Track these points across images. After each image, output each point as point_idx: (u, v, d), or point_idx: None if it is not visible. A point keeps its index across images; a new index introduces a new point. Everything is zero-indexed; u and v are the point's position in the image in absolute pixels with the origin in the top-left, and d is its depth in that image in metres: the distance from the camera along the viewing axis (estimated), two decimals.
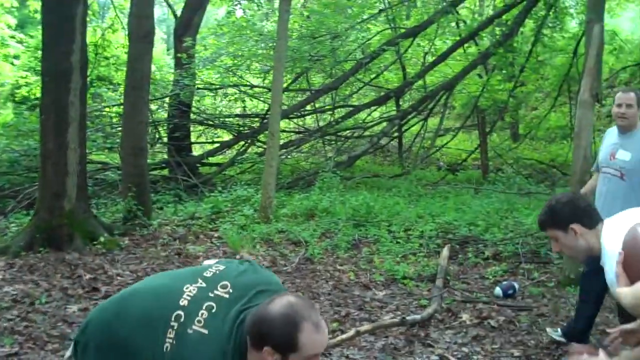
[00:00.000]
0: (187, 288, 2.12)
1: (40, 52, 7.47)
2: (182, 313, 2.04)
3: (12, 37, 19.26)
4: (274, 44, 9.91)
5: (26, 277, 5.79)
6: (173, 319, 2.03)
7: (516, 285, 5.81)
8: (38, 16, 11.66)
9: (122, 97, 9.25)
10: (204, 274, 2.19)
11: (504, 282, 5.89)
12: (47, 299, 5.26)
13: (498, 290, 5.74)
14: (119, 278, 5.93)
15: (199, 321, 2.02)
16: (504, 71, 13.64)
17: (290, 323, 1.93)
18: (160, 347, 1.99)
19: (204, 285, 2.14)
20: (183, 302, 2.08)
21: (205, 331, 2.00)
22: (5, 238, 7.32)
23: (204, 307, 2.05)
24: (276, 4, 15.68)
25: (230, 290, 2.12)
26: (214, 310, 2.05)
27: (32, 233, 6.76)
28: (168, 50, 26.78)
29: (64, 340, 4.44)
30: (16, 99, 18.07)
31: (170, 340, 1.99)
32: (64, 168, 6.91)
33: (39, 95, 7.61)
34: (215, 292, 2.11)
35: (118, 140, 10.10)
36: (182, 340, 1.99)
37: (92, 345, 2.14)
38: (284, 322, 1.93)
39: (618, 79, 15.59)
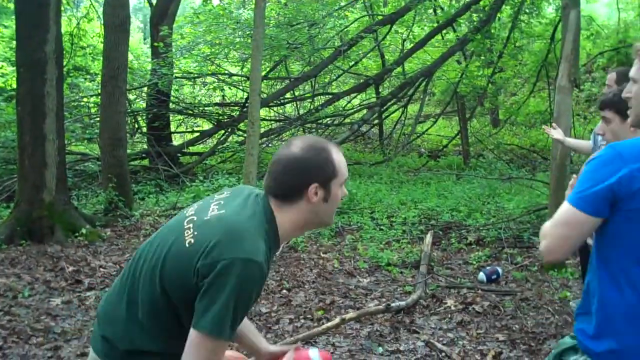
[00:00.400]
0: (188, 210, 2.02)
1: (15, 42, 7.35)
2: (193, 217, 1.93)
3: None
4: (251, 32, 9.83)
5: (8, 270, 5.71)
6: (186, 224, 1.91)
7: (500, 270, 5.86)
8: (12, 6, 11.45)
9: (100, 87, 9.12)
10: (198, 202, 2.09)
11: (488, 267, 5.94)
12: (30, 292, 5.19)
13: (482, 276, 5.78)
14: (102, 270, 5.88)
15: (212, 210, 1.92)
16: (482, 57, 13.67)
17: (319, 149, 1.89)
18: (183, 248, 1.85)
19: (202, 202, 2.04)
20: (190, 213, 1.97)
21: (223, 211, 1.90)
22: None
23: (212, 206, 1.95)
24: None
25: (230, 193, 2.03)
26: (222, 203, 1.95)
27: (13, 226, 6.67)
28: (145, 39, 26.49)
29: (47, 334, 4.39)
30: None
31: (191, 234, 1.86)
32: (42, 160, 6.82)
33: (15, 86, 7.48)
34: (216, 198, 2.02)
35: (97, 131, 9.99)
36: (202, 226, 1.86)
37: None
38: (314, 151, 1.88)
39: (595, 64, 15.73)
